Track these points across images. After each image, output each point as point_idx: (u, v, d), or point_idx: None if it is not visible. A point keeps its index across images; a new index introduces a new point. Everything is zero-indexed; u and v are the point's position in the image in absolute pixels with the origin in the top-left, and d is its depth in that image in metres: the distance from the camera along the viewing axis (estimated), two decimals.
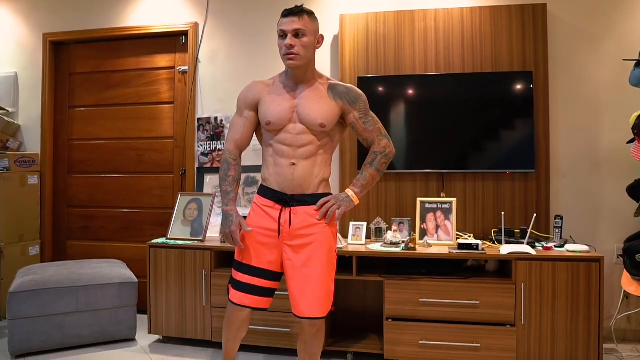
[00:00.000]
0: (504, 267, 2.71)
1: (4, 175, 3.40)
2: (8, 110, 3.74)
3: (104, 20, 3.65)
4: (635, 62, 2.49)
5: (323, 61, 3.24)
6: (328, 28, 3.23)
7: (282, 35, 1.89)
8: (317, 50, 1.96)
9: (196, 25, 3.48)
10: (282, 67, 2.01)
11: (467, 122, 2.97)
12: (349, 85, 2.01)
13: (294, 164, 1.89)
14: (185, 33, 3.51)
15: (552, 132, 2.97)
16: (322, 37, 1.96)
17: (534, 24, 2.96)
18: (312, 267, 1.87)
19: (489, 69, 3.00)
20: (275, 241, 1.92)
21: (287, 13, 1.88)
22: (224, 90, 3.44)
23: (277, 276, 1.97)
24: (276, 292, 2.02)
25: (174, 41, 3.57)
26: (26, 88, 3.77)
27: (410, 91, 3.03)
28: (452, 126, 2.98)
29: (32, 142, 3.75)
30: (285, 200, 1.91)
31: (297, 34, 1.86)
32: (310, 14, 1.91)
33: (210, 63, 3.48)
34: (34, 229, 3.63)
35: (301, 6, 1.90)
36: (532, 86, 2.89)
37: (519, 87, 2.92)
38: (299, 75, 1.93)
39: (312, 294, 1.87)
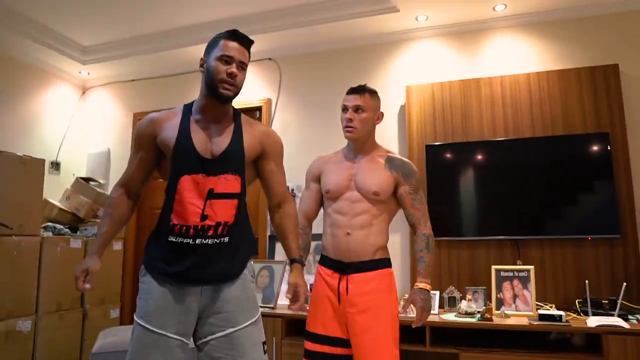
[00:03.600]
0: (592, 342, 2.50)
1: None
2: (100, 182, 4.11)
3: (184, 99, 3.96)
4: None
5: (389, 130, 3.33)
6: (395, 98, 3.34)
7: (344, 109, 2.05)
8: (377, 125, 2.07)
9: (269, 100, 3.73)
10: None
11: (540, 186, 2.89)
12: (405, 159, 2.08)
13: (348, 233, 1.95)
14: (259, 108, 3.76)
15: (637, 194, 2.81)
16: (382, 114, 2.09)
17: (606, 85, 2.91)
18: (374, 333, 1.86)
19: (560, 132, 2.95)
20: (337, 308, 1.94)
21: (351, 91, 2.05)
22: (295, 160, 3.57)
23: (347, 343, 1.95)
24: None
25: (250, 116, 3.81)
26: (117, 161, 4.16)
27: (479, 157, 3.02)
28: (525, 191, 2.90)
29: None
30: (342, 268, 1.95)
31: (357, 109, 2.01)
32: (372, 92, 2.05)
33: (282, 135, 3.63)
34: (115, 293, 3.83)
35: (364, 85, 2.05)
36: (609, 147, 2.79)
37: (594, 148, 2.82)
38: (358, 147, 2.06)
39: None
